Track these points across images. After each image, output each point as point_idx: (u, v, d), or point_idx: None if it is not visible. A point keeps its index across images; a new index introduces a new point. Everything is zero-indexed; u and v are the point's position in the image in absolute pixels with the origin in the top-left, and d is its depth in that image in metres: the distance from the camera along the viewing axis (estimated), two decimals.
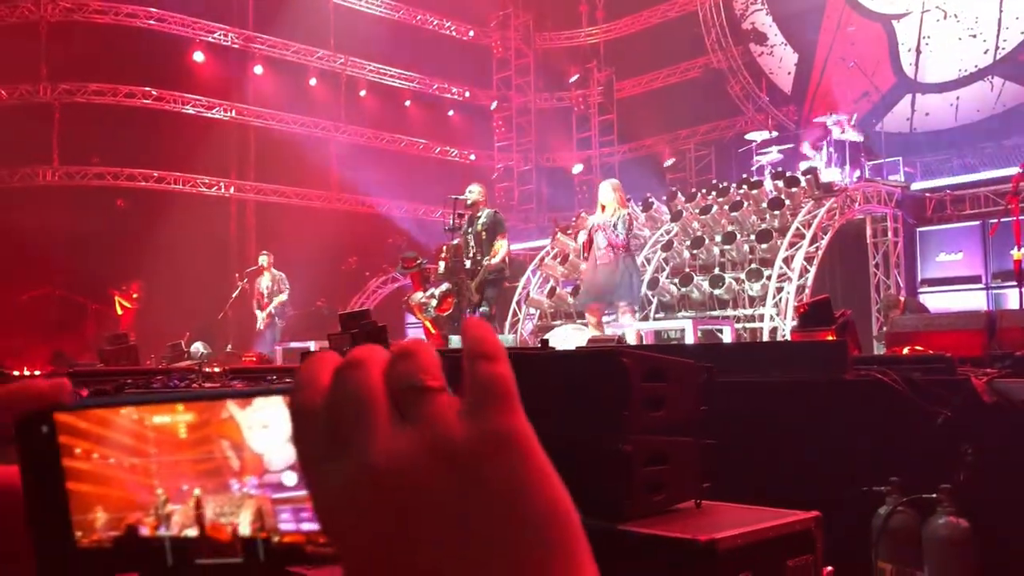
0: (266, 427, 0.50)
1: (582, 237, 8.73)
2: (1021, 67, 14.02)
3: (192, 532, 0.51)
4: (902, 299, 10.34)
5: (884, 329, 10.40)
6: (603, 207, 8.49)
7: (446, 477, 0.41)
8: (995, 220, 8.08)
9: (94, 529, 0.52)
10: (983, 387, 3.35)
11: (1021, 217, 4.89)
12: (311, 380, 0.44)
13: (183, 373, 4.87)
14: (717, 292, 10.15)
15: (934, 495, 3.17)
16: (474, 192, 8.69)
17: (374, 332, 4.77)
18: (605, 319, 8.61)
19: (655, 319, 9.76)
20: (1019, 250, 4.98)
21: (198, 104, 16.89)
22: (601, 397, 2.39)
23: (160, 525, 0.52)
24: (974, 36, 14.53)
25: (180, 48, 16.74)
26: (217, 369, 5.20)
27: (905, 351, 4.11)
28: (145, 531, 0.52)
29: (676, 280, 10.51)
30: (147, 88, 16.23)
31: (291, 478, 0.50)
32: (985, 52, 14.39)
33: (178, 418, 0.52)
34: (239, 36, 17.47)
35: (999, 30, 14.22)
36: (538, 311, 12.42)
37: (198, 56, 16.90)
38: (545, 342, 4.37)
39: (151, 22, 16.28)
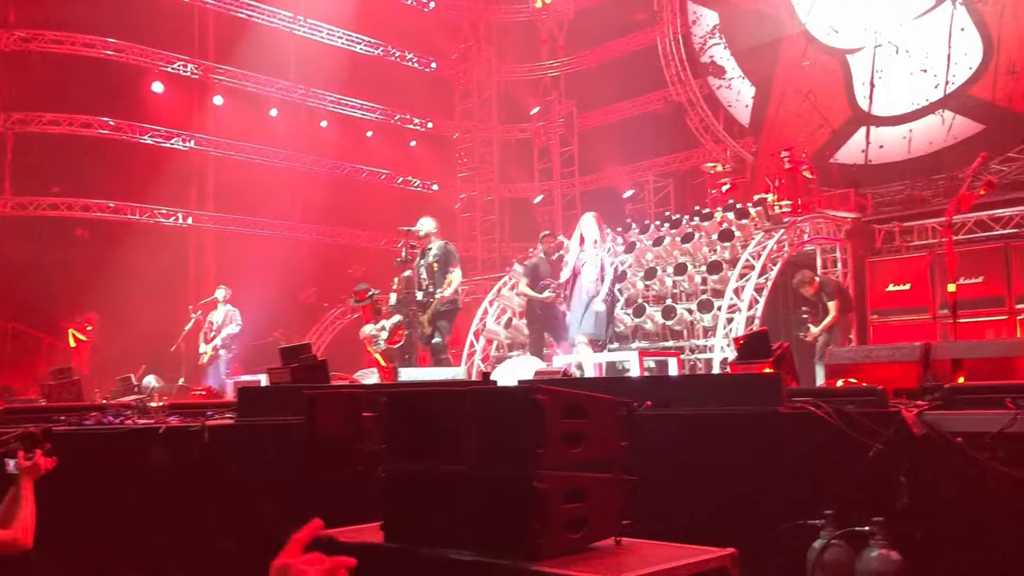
0: None
1: (566, 273, 8.51)
2: (970, 101, 14.33)
3: None
4: (818, 279, 10.32)
5: (804, 318, 10.44)
6: (582, 240, 8.46)
7: None
8: (938, 252, 8.18)
9: None
10: (913, 419, 3.36)
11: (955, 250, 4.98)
12: None
13: (118, 409, 4.78)
14: (669, 323, 10.19)
15: (867, 528, 3.17)
16: (426, 224, 8.64)
17: (314, 366, 4.72)
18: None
19: (609, 350, 9.77)
20: (954, 284, 5.05)
21: (156, 134, 16.78)
22: (517, 434, 2.37)
23: None
24: (925, 71, 14.84)
25: (138, 78, 16.66)
26: (155, 404, 5.10)
27: (840, 383, 4.14)
28: None
29: (630, 311, 10.53)
30: (104, 118, 16.10)
31: None
32: (936, 86, 14.71)
33: None
34: (199, 67, 17.42)
35: (948, 65, 14.55)
36: (495, 341, 12.40)
37: (157, 86, 16.83)
38: (486, 375, 4.35)
39: (108, 52, 16.19)
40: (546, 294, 9.53)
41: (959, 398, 3.44)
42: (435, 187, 21.20)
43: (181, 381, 11.47)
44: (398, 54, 20.47)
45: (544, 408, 2.33)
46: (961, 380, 3.97)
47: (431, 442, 2.61)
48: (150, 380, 10.91)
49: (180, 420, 4.60)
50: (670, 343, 10.46)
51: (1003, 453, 3.09)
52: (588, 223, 8.59)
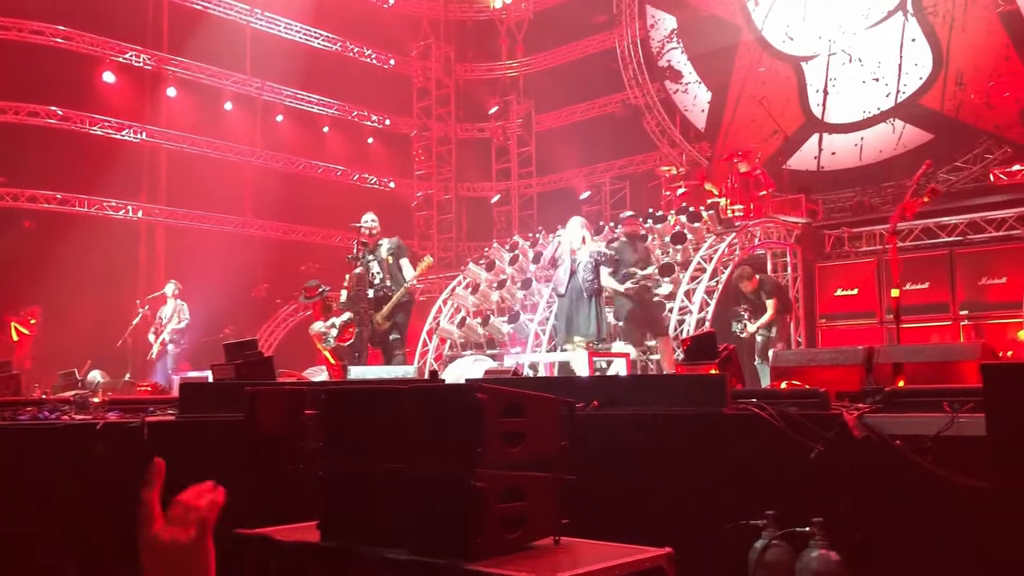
0: None
1: (563, 274, 8.64)
2: (920, 111, 14.60)
3: None
4: (758, 277, 10.51)
5: (744, 315, 10.55)
6: (572, 244, 8.61)
7: None
8: (885, 258, 8.29)
9: None
10: (854, 422, 3.40)
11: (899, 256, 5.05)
12: None
13: (55, 404, 4.66)
14: (621, 324, 10.23)
15: (807, 528, 3.19)
16: (377, 221, 8.67)
17: (259, 363, 4.65)
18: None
19: (562, 350, 9.79)
20: (898, 289, 5.13)
21: (107, 125, 16.46)
22: (457, 432, 2.35)
23: None
24: (877, 80, 15.09)
25: (89, 68, 16.33)
26: (96, 400, 4.99)
27: (784, 385, 4.17)
28: None
29: None
30: (52, 107, 15.75)
31: None
32: (887, 95, 14.96)
33: None
34: (151, 57, 17.13)
35: (899, 75, 14.81)
36: (448, 341, 12.37)
37: (108, 76, 16.52)
38: (434, 374, 4.31)
39: (58, 40, 15.84)
40: (627, 285, 9.21)
41: (899, 401, 3.49)
42: (392, 184, 21.08)
43: (127, 376, 11.27)
44: (356, 50, 20.32)
45: (483, 406, 2.31)
46: (901, 384, 4.03)
47: (370, 440, 2.58)
48: (95, 375, 10.71)
49: (119, 416, 4.50)
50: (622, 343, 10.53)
51: (940, 456, 3.13)
52: (572, 229, 8.75)
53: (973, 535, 3.00)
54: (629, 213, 10.26)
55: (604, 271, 8.92)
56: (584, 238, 8.71)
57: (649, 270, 9.26)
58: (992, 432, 2.79)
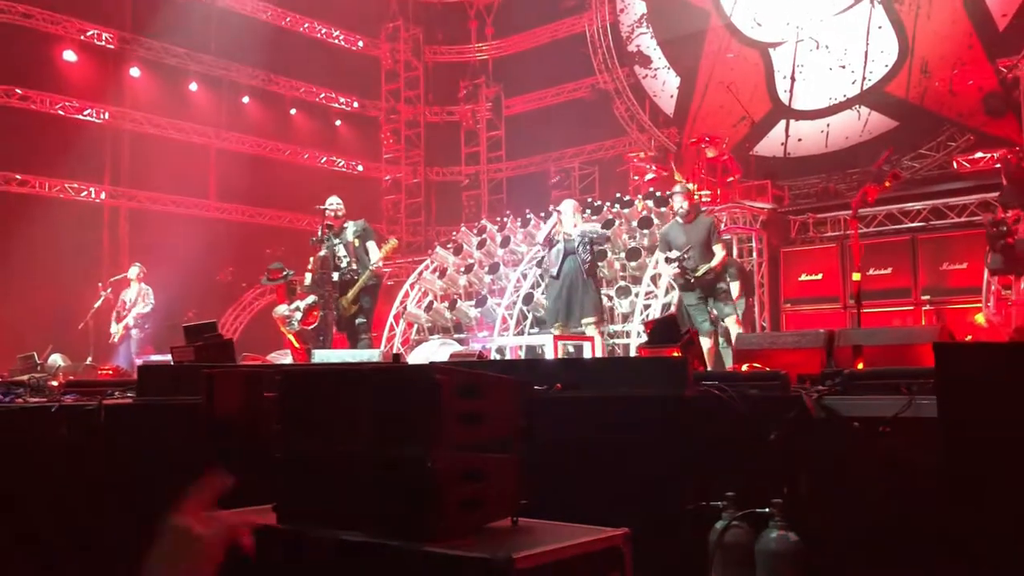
0: None
1: (556, 256, 8.66)
2: (885, 98, 14.72)
3: None
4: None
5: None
6: (564, 226, 8.67)
7: None
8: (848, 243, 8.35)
9: None
10: (812, 404, 3.42)
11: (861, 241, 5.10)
12: None
13: (9, 387, 4.59)
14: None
15: (767, 509, 3.21)
16: (342, 204, 8.62)
17: (219, 346, 4.59)
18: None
19: (530, 334, 9.81)
20: (858, 273, 5.18)
21: (69, 106, 16.17)
22: (414, 414, 2.33)
23: None
24: (843, 67, 15.18)
25: (49, 46, 16.00)
26: (55, 383, 4.91)
27: (745, 367, 4.20)
28: None
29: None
30: (12, 87, 15.44)
31: None
32: (853, 82, 15.06)
33: None
34: (114, 36, 16.82)
35: (866, 62, 14.91)
36: (415, 325, 12.33)
37: (69, 55, 16.19)
38: (397, 357, 4.29)
39: (18, 17, 15.51)
40: (672, 268, 8.56)
41: (857, 383, 3.51)
42: (360, 168, 20.93)
43: (89, 360, 11.13)
44: (324, 31, 20.11)
45: (441, 388, 2.29)
46: (860, 366, 4.06)
47: (327, 422, 2.56)
48: (55, 359, 10.56)
49: (76, 399, 4.43)
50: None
51: (897, 436, 3.16)
52: (566, 211, 8.80)
53: (928, 514, 3.04)
54: (678, 188, 9.11)
55: (659, 256, 8.97)
56: (576, 223, 8.75)
57: (674, 253, 8.43)
58: (943, 411, 2.82)
